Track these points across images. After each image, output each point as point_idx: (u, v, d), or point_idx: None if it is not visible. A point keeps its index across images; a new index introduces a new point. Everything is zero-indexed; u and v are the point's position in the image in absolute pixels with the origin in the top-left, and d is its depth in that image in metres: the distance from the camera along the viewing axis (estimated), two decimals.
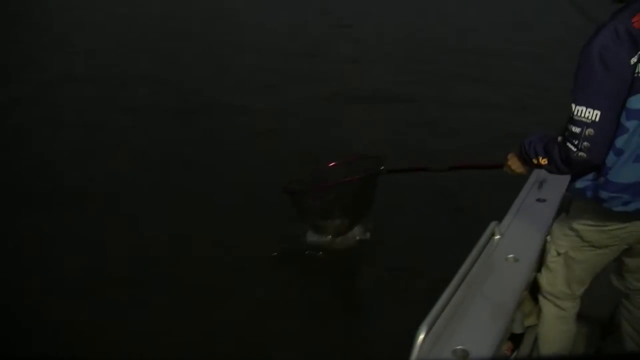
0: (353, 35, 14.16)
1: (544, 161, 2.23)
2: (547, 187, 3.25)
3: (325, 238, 4.63)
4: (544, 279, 2.53)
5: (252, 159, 6.44)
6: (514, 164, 2.45)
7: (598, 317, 3.14)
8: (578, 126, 2.04)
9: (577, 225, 2.33)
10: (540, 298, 2.57)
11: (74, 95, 8.92)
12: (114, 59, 11.21)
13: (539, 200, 3.12)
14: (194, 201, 5.45)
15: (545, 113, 8.08)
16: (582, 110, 2.03)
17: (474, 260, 2.33)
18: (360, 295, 4.62)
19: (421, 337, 1.86)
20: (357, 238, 4.75)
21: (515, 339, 2.64)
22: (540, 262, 3.14)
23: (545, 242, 2.86)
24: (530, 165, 2.39)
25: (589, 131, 2.02)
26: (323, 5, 18.03)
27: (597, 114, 2.00)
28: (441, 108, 8.60)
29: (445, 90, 9.59)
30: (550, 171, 2.29)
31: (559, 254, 2.44)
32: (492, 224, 2.62)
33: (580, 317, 3.27)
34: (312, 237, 4.69)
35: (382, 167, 4.27)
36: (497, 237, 2.65)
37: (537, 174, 3.46)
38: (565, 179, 3.31)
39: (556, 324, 2.55)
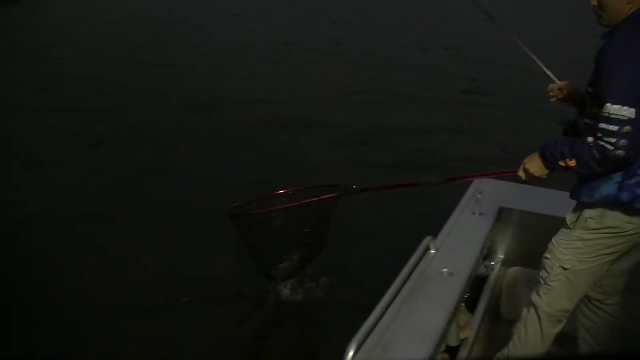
0: (292, 55, 13.96)
1: (571, 163, 2.23)
2: (484, 201, 3.34)
3: (273, 276, 3.89)
4: (543, 300, 2.47)
5: (193, 186, 6.21)
6: (534, 167, 2.42)
7: None
8: (615, 124, 2.08)
9: (589, 235, 2.33)
10: (531, 321, 2.51)
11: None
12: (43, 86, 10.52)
13: (475, 214, 3.19)
14: (126, 239, 5.18)
15: (486, 134, 8.32)
16: (618, 109, 2.08)
17: (407, 277, 2.37)
18: (309, 335, 4.42)
19: (351, 353, 1.88)
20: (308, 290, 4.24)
21: (452, 352, 2.68)
22: (475, 276, 3.22)
23: (480, 255, 2.94)
24: (553, 168, 2.36)
25: (627, 129, 2.07)
26: (259, 25, 17.81)
27: (632, 112, 2.07)
28: (380, 130, 8.54)
29: (383, 111, 9.52)
30: (579, 172, 2.28)
31: (564, 269, 2.39)
32: (427, 240, 2.67)
33: (515, 323, 3.38)
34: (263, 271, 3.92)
35: (355, 187, 3.48)
36: (433, 252, 2.70)
37: (475, 186, 3.55)
38: (502, 192, 3.47)
39: (536, 349, 2.52)
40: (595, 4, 2.30)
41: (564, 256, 2.40)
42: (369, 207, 5.34)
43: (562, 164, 2.27)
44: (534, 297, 2.51)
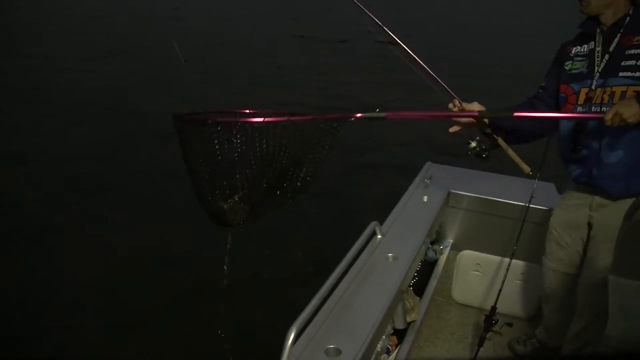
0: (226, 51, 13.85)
1: None
2: (433, 186, 3.39)
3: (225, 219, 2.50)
4: None
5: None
6: (629, 112, 2.22)
7: (483, 308, 3.31)
8: None
9: None
10: None
11: None
12: None
13: (423, 198, 3.24)
14: None
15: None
16: None
17: (351, 261, 2.39)
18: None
19: (291, 337, 1.89)
20: None
21: (400, 334, 2.73)
22: (422, 260, 3.28)
23: (426, 239, 2.99)
24: None
25: None
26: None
27: None
28: None
29: None
30: None
31: None
32: (372, 224, 2.70)
33: (468, 307, 3.46)
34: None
35: (378, 109, 2.40)
36: (379, 237, 2.74)
37: (424, 171, 3.60)
38: (451, 176, 3.53)
39: None
40: None
41: None
42: (322, 188, 5.37)
43: None
44: None
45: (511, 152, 2.58)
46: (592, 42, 2.45)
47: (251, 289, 4.34)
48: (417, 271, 3.19)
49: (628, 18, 2.35)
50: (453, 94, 2.60)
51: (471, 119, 2.58)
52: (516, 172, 3.53)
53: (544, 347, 3.08)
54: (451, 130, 2.65)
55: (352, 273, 2.43)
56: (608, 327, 2.30)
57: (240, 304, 4.29)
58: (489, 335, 2.86)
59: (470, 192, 3.41)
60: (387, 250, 2.64)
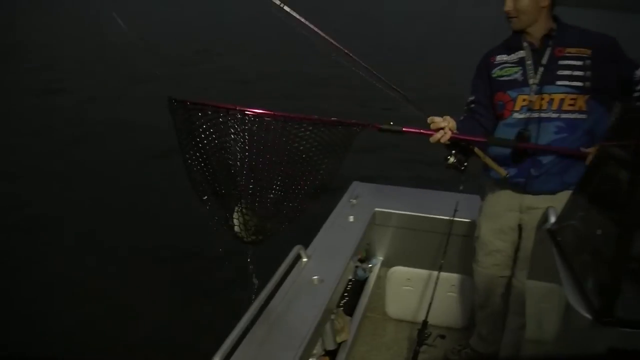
0: None
1: None
2: (359, 205, 3.42)
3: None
4: None
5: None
6: None
7: (417, 322, 3.34)
8: None
9: None
10: None
11: None
12: None
13: (349, 218, 3.26)
14: None
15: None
16: None
17: (275, 287, 2.38)
18: None
19: None
20: None
21: (332, 354, 2.72)
22: (351, 280, 3.30)
23: (352, 259, 3.00)
24: None
25: None
26: None
27: None
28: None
29: None
30: None
31: None
32: (296, 248, 2.69)
33: (403, 322, 3.49)
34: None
35: (392, 123, 2.38)
36: (305, 260, 2.73)
37: (350, 192, 3.64)
38: (376, 195, 3.57)
39: None
40: (512, 8, 2.44)
41: None
42: None
43: None
44: None
45: (488, 159, 2.53)
46: (521, 52, 2.52)
47: (173, 315, 4.26)
48: (347, 291, 3.19)
49: (555, 32, 2.45)
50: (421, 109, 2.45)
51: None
52: (441, 186, 3.66)
53: (478, 355, 3.12)
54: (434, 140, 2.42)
55: (277, 298, 2.41)
56: (526, 330, 2.37)
57: (159, 331, 4.20)
58: (423, 348, 2.88)
59: (396, 209, 3.45)
60: (312, 273, 2.63)
